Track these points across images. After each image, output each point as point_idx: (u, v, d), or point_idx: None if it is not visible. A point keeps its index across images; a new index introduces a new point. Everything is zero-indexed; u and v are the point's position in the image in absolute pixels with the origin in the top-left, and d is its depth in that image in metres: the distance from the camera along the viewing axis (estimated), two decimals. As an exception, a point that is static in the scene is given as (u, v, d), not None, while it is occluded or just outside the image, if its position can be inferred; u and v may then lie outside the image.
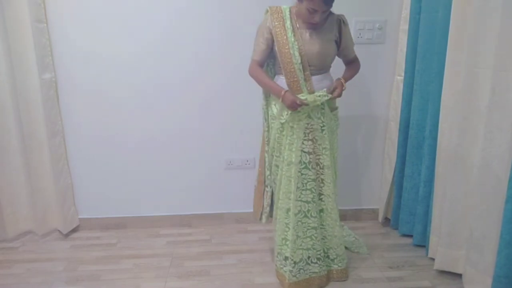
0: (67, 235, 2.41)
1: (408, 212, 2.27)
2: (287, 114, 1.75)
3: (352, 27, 2.22)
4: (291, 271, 1.82)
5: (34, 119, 2.21)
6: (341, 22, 1.76)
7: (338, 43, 1.80)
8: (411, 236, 2.28)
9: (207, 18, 2.21)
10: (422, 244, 2.18)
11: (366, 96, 2.37)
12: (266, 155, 1.92)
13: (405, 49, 2.17)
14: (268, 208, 1.97)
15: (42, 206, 2.35)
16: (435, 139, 1.99)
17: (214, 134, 2.39)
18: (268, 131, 1.90)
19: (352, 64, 1.89)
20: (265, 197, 1.96)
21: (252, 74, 1.81)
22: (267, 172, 1.92)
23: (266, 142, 1.91)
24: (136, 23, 2.20)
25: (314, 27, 1.72)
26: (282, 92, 1.69)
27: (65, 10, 2.15)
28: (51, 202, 2.36)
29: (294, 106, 1.67)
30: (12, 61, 2.10)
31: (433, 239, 2.05)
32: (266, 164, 1.92)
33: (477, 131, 1.71)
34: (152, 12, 2.19)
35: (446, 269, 1.95)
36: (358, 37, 2.24)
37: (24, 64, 2.11)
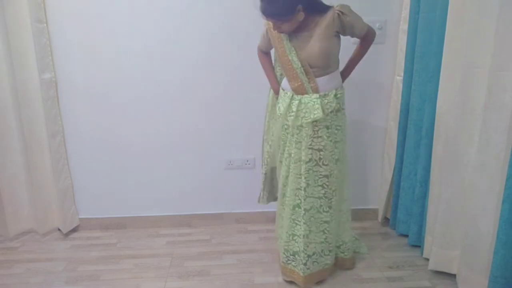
0: (67, 235, 2.41)
1: (405, 212, 2.26)
2: (291, 115, 1.74)
3: (352, 27, 2.22)
4: (304, 264, 1.84)
5: (34, 119, 2.21)
6: (335, 18, 1.63)
7: (344, 32, 1.70)
8: (408, 236, 2.28)
9: (207, 18, 2.21)
10: (418, 244, 2.19)
11: (366, 96, 2.37)
12: (264, 143, 2.03)
13: (404, 49, 2.16)
14: (262, 193, 2.12)
15: (42, 206, 2.35)
16: (431, 139, 1.99)
17: (214, 134, 2.39)
18: (268, 121, 2.00)
19: (363, 41, 1.80)
20: (261, 181, 2.11)
21: (259, 60, 1.94)
22: (265, 161, 2.05)
23: (266, 131, 2.02)
24: (136, 23, 2.20)
25: (305, 30, 1.66)
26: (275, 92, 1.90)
27: (65, 10, 2.15)
28: (52, 201, 2.37)
29: None
30: (12, 61, 2.10)
31: (427, 239, 2.05)
32: (264, 152, 2.04)
33: (473, 131, 1.71)
34: (152, 12, 2.19)
35: (440, 269, 1.95)
36: (358, 37, 2.24)
37: (24, 64, 2.12)
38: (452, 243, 1.89)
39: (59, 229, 2.44)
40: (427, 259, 2.04)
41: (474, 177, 1.71)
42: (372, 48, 2.26)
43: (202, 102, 2.33)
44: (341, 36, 1.73)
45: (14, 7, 2.04)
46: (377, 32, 2.24)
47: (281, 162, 1.88)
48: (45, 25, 2.13)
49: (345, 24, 1.66)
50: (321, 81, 1.71)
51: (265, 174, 2.06)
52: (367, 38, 1.80)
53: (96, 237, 2.41)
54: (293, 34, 1.68)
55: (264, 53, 1.92)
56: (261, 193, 2.13)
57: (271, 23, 1.68)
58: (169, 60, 2.26)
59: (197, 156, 2.42)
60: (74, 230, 2.46)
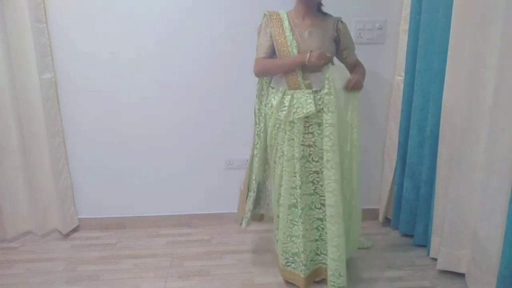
0: (67, 235, 2.41)
1: (409, 212, 2.26)
2: (283, 110, 1.75)
3: (352, 27, 2.22)
4: (305, 265, 1.82)
5: (34, 119, 2.21)
6: (338, 22, 1.79)
7: (338, 43, 1.81)
8: (411, 236, 2.28)
9: (208, 18, 2.21)
10: (423, 244, 2.18)
11: (366, 96, 2.36)
12: (256, 159, 1.94)
13: (405, 49, 2.16)
14: (249, 214, 1.97)
15: (41, 206, 2.35)
16: (436, 139, 1.98)
17: (214, 134, 2.39)
18: (258, 134, 1.93)
19: (357, 68, 1.87)
20: (248, 201, 1.97)
21: (260, 69, 1.81)
22: (253, 176, 1.95)
23: (256, 146, 1.94)
24: (136, 23, 2.20)
25: (309, 26, 1.73)
26: (307, 55, 1.65)
27: (65, 10, 2.15)
28: (51, 202, 2.36)
29: (322, 58, 1.65)
30: (12, 61, 2.10)
31: (434, 239, 2.04)
32: (255, 167, 1.94)
33: (480, 131, 1.70)
34: (153, 12, 2.19)
35: (449, 269, 1.95)
36: (358, 37, 2.24)
37: (24, 64, 2.12)
38: (460, 243, 1.88)
39: (58, 230, 2.44)
40: (432, 259, 2.04)
41: (481, 177, 1.71)
42: (372, 48, 2.28)
43: (202, 102, 2.34)
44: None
45: (14, 7, 2.04)
46: (377, 32, 2.26)
47: (275, 162, 1.87)
48: (45, 25, 2.13)
49: (342, 35, 1.79)
50: (315, 77, 1.73)
51: (255, 192, 1.97)
52: (359, 67, 1.87)
53: (95, 237, 2.40)
54: (295, 29, 1.75)
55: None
56: (248, 215, 1.98)
57: (271, 17, 1.76)
58: (169, 60, 2.26)
59: (197, 156, 2.42)
60: (73, 230, 2.45)
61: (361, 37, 2.25)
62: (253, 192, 1.96)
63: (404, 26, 2.16)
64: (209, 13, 2.21)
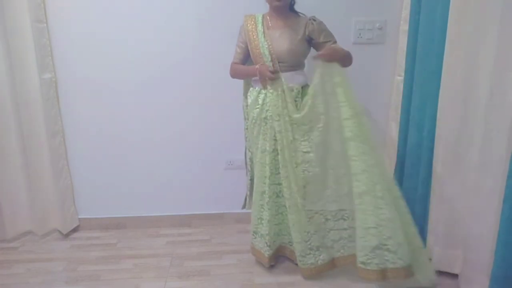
0: (67, 235, 2.41)
1: (408, 212, 2.26)
2: (257, 107, 1.87)
3: (352, 27, 2.23)
4: (269, 246, 1.96)
5: (34, 119, 2.21)
6: (309, 22, 1.84)
7: (312, 40, 1.86)
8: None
9: (208, 19, 2.22)
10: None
11: (366, 96, 2.36)
12: (246, 150, 2.13)
13: (405, 49, 2.16)
14: (247, 199, 2.20)
15: (41, 206, 2.35)
16: (433, 139, 1.98)
17: (214, 134, 2.39)
18: (246, 128, 2.10)
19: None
20: (247, 188, 2.19)
21: (232, 73, 2.00)
22: (248, 167, 2.14)
23: (246, 139, 2.13)
24: (137, 23, 2.20)
25: (281, 27, 1.83)
26: (257, 66, 1.83)
27: (65, 10, 2.15)
28: (51, 202, 2.36)
29: (268, 75, 1.79)
30: (12, 61, 2.10)
31: (430, 239, 2.04)
32: (247, 158, 2.13)
33: (475, 131, 1.71)
34: (153, 12, 2.19)
35: (443, 269, 1.94)
36: (358, 37, 2.25)
37: (24, 64, 2.12)
38: (454, 243, 1.88)
39: (58, 230, 2.44)
40: (429, 259, 2.03)
41: (476, 177, 1.71)
42: (372, 48, 2.28)
43: (202, 102, 2.34)
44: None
45: (14, 7, 2.04)
46: (377, 32, 2.26)
47: (252, 153, 2.01)
48: (45, 25, 2.13)
49: (315, 32, 1.83)
50: (287, 76, 1.83)
51: (251, 180, 2.13)
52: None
53: (96, 237, 2.41)
54: (267, 31, 1.86)
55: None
56: (247, 199, 2.21)
57: (247, 21, 1.89)
58: (169, 60, 2.26)
59: (197, 156, 2.42)
60: (74, 230, 2.46)
61: (361, 37, 2.25)
62: (250, 179, 2.14)
63: (404, 26, 2.16)
64: (209, 14, 2.21)
